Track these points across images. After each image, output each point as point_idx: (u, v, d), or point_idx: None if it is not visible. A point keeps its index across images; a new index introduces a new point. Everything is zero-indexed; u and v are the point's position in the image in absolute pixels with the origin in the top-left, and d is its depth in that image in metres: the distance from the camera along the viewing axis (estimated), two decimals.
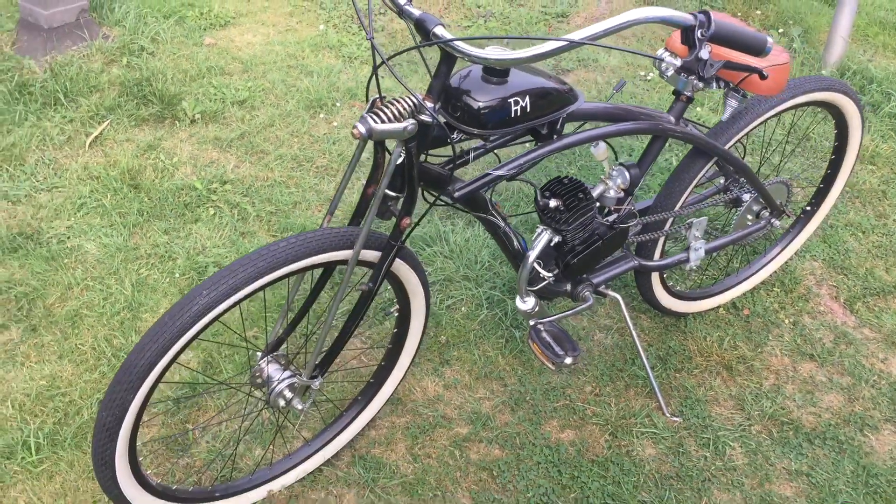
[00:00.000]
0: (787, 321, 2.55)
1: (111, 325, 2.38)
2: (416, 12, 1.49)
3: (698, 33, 1.39)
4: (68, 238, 2.66)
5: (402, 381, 2.09)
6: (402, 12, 1.52)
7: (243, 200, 2.86)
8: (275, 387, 1.78)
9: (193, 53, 3.67)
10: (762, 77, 1.51)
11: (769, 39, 1.46)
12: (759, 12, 4.37)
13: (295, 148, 3.15)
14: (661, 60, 1.43)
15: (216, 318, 1.54)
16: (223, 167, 3.02)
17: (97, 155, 3.04)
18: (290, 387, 1.79)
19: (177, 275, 2.56)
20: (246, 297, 1.55)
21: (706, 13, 1.40)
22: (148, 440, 2.06)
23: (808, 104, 2.23)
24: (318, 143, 3.19)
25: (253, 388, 1.85)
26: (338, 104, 3.41)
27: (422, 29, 1.48)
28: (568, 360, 1.98)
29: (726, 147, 2.10)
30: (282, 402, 1.79)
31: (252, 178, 2.98)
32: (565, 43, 1.35)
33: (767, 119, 2.15)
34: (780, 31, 4.19)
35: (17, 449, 2.02)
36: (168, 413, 2.14)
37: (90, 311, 2.41)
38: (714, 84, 1.98)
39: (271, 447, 2.07)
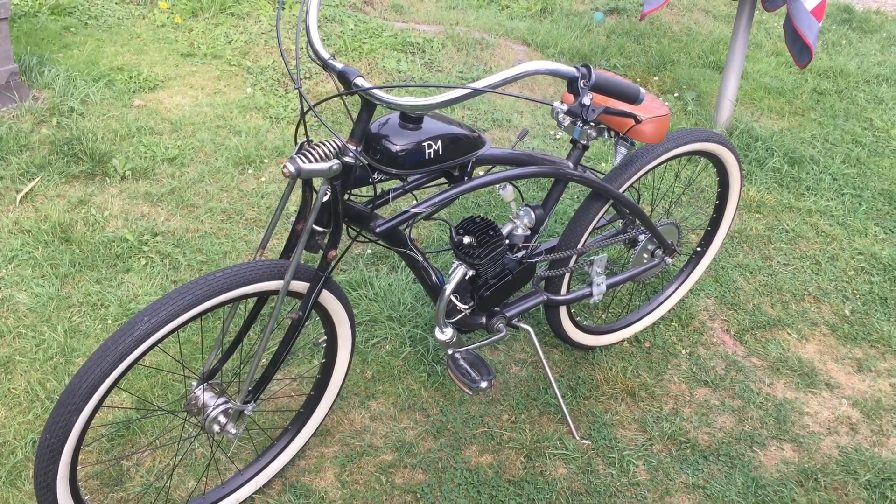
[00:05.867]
0: (683, 352, 2.79)
1: (44, 369, 2.45)
2: (339, 65, 1.69)
3: (580, 83, 1.63)
4: None
5: (330, 409, 2.22)
6: (326, 66, 1.72)
7: (174, 251, 2.98)
8: (209, 412, 1.89)
9: (123, 114, 3.80)
10: (637, 121, 1.76)
11: (641, 90, 1.71)
12: (656, 78, 4.75)
13: (224, 202, 3.29)
14: (552, 106, 1.66)
15: (156, 343, 1.66)
16: (154, 220, 3.13)
17: (28, 210, 3.12)
18: (225, 412, 1.90)
19: (109, 321, 2.64)
20: (185, 322, 1.68)
21: (587, 66, 1.64)
22: (83, 476, 2.13)
23: (692, 153, 2.50)
24: (247, 198, 3.34)
25: (188, 415, 1.96)
26: (265, 161, 3.58)
27: (344, 80, 1.68)
28: (483, 385, 2.15)
29: (620, 191, 2.34)
30: (216, 428, 1.90)
31: (183, 230, 3.10)
32: (469, 90, 1.56)
33: (656, 166, 2.41)
34: (676, 95, 4.57)
35: None
36: (102, 450, 2.21)
37: (23, 357, 2.48)
38: (605, 133, 2.24)
39: (205, 478, 2.17)
